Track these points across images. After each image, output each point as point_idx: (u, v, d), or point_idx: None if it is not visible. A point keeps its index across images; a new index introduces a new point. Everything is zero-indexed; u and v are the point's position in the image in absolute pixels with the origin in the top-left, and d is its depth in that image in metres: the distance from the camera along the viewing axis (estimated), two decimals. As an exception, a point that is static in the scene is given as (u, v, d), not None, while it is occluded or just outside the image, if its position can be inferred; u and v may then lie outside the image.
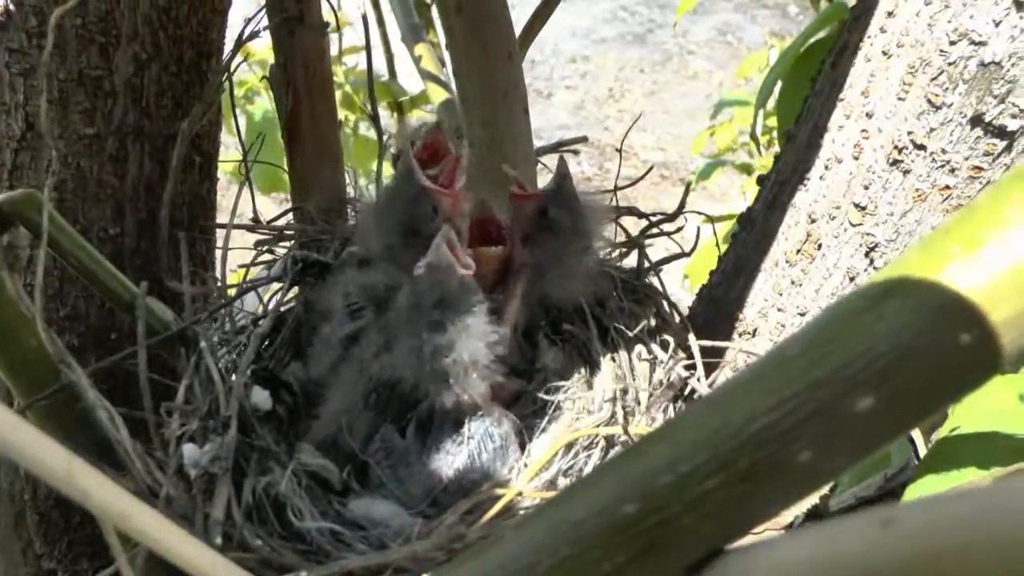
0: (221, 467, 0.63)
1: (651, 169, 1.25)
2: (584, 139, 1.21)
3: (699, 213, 0.92)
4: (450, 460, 0.64)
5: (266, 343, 0.79)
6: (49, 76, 0.86)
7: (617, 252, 0.89)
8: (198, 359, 0.72)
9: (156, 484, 0.62)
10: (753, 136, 1.44)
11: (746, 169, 2.91)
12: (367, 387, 0.69)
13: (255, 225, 0.97)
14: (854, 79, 0.67)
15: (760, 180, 0.79)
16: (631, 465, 0.30)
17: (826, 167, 0.69)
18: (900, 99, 0.63)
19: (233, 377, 0.70)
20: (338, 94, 2.18)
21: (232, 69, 0.94)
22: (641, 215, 0.94)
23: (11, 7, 0.84)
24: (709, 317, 0.81)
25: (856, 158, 0.66)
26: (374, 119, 1.08)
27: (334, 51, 1.99)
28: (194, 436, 0.65)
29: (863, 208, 0.67)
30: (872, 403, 0.28)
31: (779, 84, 1.24)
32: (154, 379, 0.70)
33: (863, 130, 0.66)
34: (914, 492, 0.58)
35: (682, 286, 2.14)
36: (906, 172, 0.64)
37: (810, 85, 0.77)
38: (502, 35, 0.85)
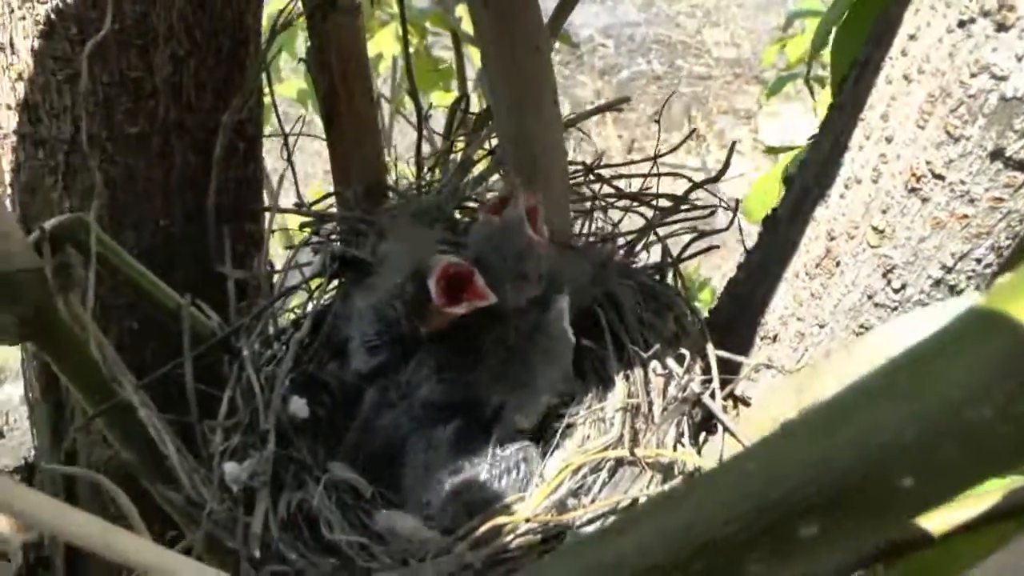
0: (260, 482, 0.67)
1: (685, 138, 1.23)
2: (626, 99, 1.20)
3: (727, 208, 0.91)
4: (473, 477, 0.68)
5: (306, 343, 0.82)
6: (92, 81, 0.89)
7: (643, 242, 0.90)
8: (240, 368, 0.76)
9: (201, 498, 0.68)
10: (807, 81, 1.41)
11: (819, 81, 2.82)
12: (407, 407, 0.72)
13: (299, 209, 1.00)
14: (875, 100, 0.66)
15: (786, 181, 0.79)
16: (594, 553, 0.32)
17: (846, 186, 0.69)
18: (919, 127, 0.62)
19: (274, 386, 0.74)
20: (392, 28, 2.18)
21: (268, 60, 0.96)
22: (671, 200, 0.94)
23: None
24: (733, 316, 0.82)
25: (875, 181, 0.66)
26: (413, 95, 1.10)
27: None
28: (236, 449, 0.70)
29: (881, 231, 0.67)
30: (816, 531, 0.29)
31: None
32: (201, 389, 0.75)
33: (882, 154, 0.65)
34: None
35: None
36: (924, 200, 0.64)
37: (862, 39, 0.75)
38: (529, 28, 0.84)
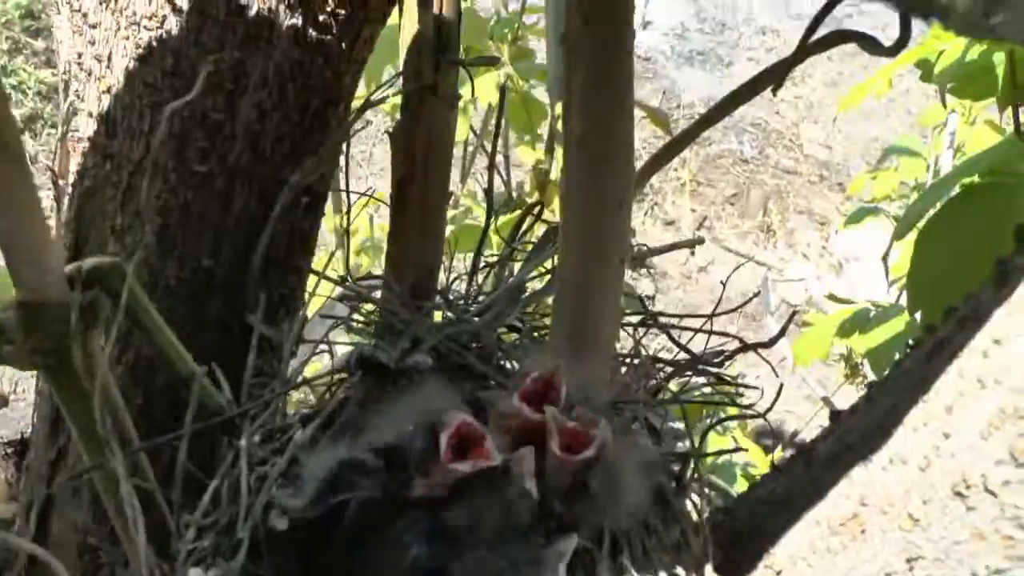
0: (219, 598, 0.65)
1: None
2: (700, 241, 1.17)
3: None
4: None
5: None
6: (173, 113, 0.88)
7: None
8: (235, 459, 0.74)
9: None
10: (885, 259, 1.37)
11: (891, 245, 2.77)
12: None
13: (342, 281, 0.99)
14: (942, 388, 0.62)
15: (833, 416, 0.75)
16: None
17: (891, 460, 0.65)
18: (982, 438, 0.58)
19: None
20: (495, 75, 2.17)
21: (353, 133, 0.94)
22: (722, 381, 0.90)
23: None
24: (745, 529, 0.79)
25: (922, 470, 0.62)
26: (488, 192, 1.07)
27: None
28: (206, 551, 0.68)
29: (916, 520, 0.63)
30: None
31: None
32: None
33: (937, 447, 0.61)
34: None
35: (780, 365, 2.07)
36: (969, 509, 0.60)
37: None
38: (619, 180, 0.82)
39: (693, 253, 4.66)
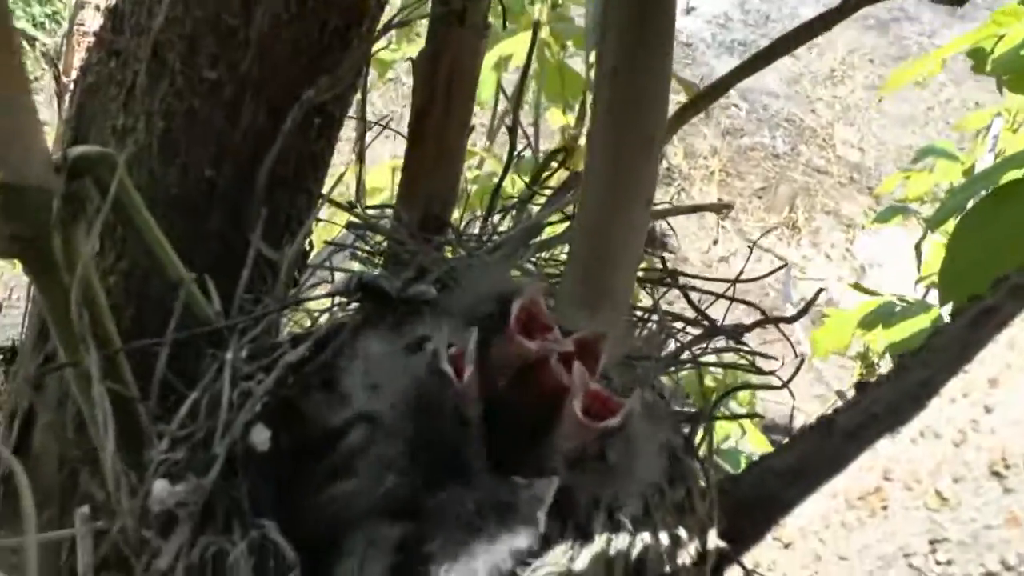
0: (185, 513, 0.61)
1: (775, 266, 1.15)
2: (728, 207, 1.11)
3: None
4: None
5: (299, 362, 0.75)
6: (185, 9, 0.83)
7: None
8: (217, 372, 0.69)
9: (119, 508, 0.61)
10: (918, 248, 1.31)
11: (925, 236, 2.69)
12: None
13: (350, 207, 0.94)
14: (987, 358, 0.57)
15: (860, 388, 0.70)
16: None
17: (921, 434, 0.60)
18: (1030, 413, 0.53)
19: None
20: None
21: (374, 52, 0.89)
22: (738, 348, 0.85)
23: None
24: (754, 499, 0.74)
25: (957, 445, 0.57)
26: (511, 131, 1.02)
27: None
28: (176, 465, 0.63)
29: (945, 500, 0.57)
30: None
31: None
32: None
33: (975, 421, 0.56)
34: None
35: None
36: (1007, 490, 0.54)
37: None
38: (652, 117, 0.77)
39: (716, 242, 4.59)
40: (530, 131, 2.28)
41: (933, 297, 1.83)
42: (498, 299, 0.65)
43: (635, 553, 0.64)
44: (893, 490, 0.61)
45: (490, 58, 2.11)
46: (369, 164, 1.07)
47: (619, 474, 0.62)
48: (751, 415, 0.80)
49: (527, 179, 0.99)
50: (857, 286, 1.75)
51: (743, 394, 2.37)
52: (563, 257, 0.92)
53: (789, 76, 6.21)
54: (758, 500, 0.73)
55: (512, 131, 1.00)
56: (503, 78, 2.33)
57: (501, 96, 2.61)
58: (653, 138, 0.78)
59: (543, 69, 2.26)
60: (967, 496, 0.57)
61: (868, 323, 1.70)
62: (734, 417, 0.85)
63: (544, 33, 2.26)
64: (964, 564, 0.58)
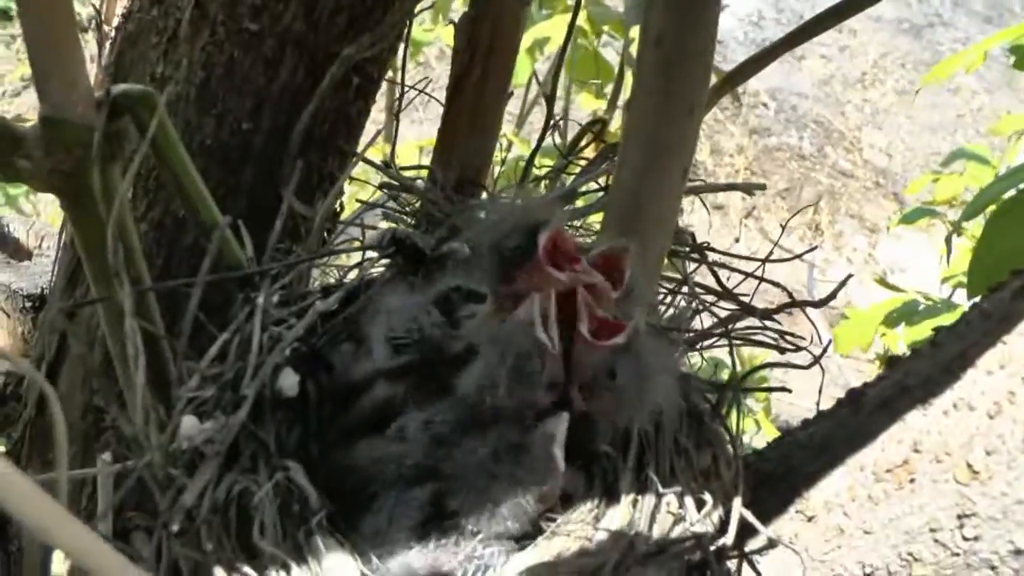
0: (212, 451, 0.61)
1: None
2: (761, 186, 1.10)
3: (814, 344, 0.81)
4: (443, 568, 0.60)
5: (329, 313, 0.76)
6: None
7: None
8: (248, 315, 0.70)
9: (147, 443, 0.61)
10: (948, 241, 1.30)
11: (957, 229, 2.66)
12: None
13: (385, 168, 0.94)
14: (1030, 331, 0.56)
15: (890, 362, 0.69)
16: None
17: (954, 405, 0.59)
18: (1070, 385, 0.53)
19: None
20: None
21: (417, 12, 0.89)
22: (766, 328, 0.84)
23: None
24: (779, 472, 0.73)
25: (991, 417, 0.56)
26: (549, 99, 1.02)
27: None
28: (205, 403, 0.64)
29: (976, 473, 0.57)
30: None
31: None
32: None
33: (1012, 392, 0.55)
34: None
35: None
36: (1040, 463, 0.54)
37: None
38: (692, 84, 0.76)
39: (738, 240, 4.57)
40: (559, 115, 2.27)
41: (957, 297, 1.82)
42: (524, 231, 0.64)
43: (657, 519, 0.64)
44: (922, 463, 0.61)
45: (525, 41, 2.10)
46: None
47: (631, 395, 0.61)
48: (781, 388, 0.79)
49: (562, 149, 0.99)
50: (882, 281, 1.74)
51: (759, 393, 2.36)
52: (596, 227, 0.92)
53: (819, 77, 6.16)
54: (783, 473, 0.73)
55: (550, 100, 0.99)
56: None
57: (532, 84, 2.60)
58: (693, 108, 0.77)
59: (576, 54, 2.25)
60: (999, 469, 0.56)
61: (892, 320, 1.68)
62: (762, 389, 0.84)
63: (580, 19, 2.25)
64: (992, 540, 0.58)
